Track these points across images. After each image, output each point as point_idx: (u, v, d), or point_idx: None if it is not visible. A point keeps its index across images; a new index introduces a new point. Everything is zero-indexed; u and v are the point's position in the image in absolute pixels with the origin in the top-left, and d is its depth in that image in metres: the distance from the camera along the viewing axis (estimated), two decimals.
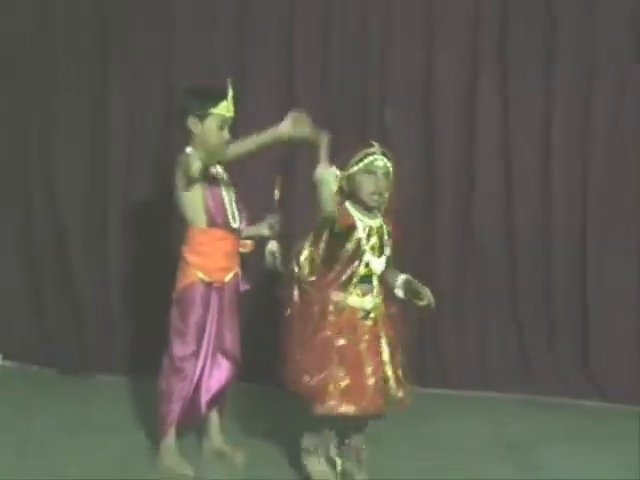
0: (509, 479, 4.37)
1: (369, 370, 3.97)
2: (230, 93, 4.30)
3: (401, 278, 4.11)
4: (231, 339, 4.41)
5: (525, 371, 5.95)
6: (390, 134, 5.78)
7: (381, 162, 4.03)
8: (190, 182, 4.20)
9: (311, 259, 4.05)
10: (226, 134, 4.31)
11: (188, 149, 4.25)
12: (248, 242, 4.48)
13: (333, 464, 4.15)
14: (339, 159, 4.05)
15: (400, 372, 4.06)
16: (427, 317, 5.61)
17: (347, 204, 4.04)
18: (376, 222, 4.08)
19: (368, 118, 6.04)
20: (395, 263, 4.16)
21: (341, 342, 3.95)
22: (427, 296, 4.03)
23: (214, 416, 4.49)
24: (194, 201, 4.26)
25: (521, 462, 4.61)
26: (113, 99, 6.20)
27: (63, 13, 6.25)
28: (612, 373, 5.80)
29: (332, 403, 3.92)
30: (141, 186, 6.20)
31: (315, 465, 4.10)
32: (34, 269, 6.35)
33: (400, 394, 4.05)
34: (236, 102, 4.34)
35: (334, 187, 3.91)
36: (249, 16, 6.12)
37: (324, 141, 3.92)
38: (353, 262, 4.00)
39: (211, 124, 4.25)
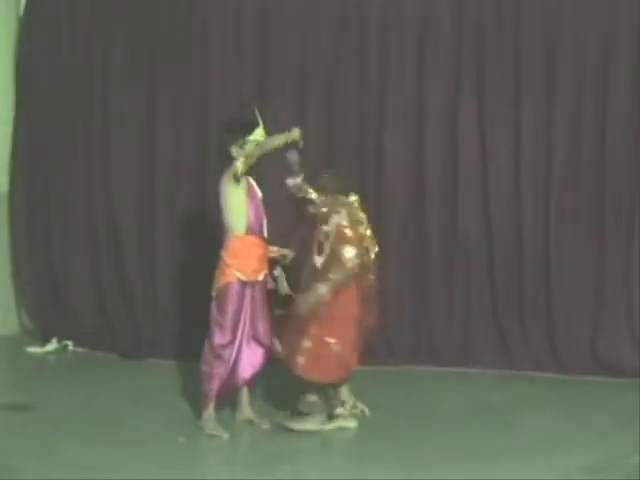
0: (485, 436, 5.38)
1: None
2: (259, 120, 5.39)
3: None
4: (263, 328, 5.44)
5: (502, 351, 7.01)
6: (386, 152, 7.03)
7: None
8: (236, 181, 5.25)
9: None
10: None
11: (236, 162, 5.26)
12: (275, 249, 5.54)
13: None
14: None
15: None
16: (422, 308, 6.90)
17: None
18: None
19: (366, 136, 7.20)
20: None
21: None
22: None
23: (245, 392, 5.56)
24: (239, 212, 5.30)
25: (496, 423, 5.65)
26: (159, 126, 7.40)
27: (120, 58, 7.46)
28: (571, 352, 6.84)
29: None
30: (182, 197, 7.40)
31: None
32: (97, 274, 7.58)
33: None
34: (265, 125, 5.43)
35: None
36: (269, 53, 7.28)
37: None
38: None
39: (250, 148, 5.31)
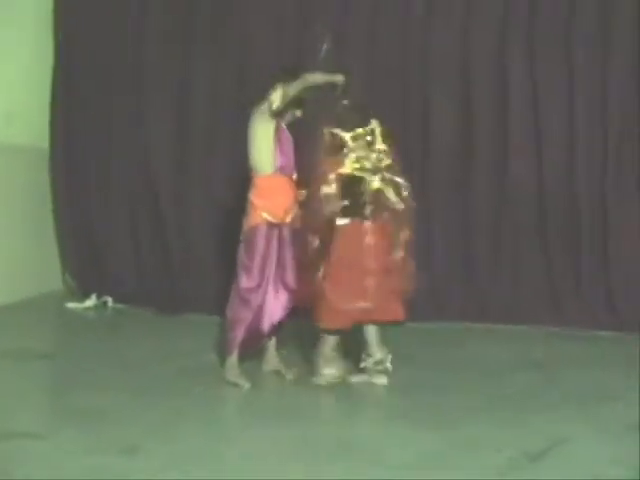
0: (526, 390, 5.07)
1: None
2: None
3: None
4: (292, 273, 5.18)
5: (554, 307, 6.63)
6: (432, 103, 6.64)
7: None
8: (271, 115, 5.03)
9: None
10: (298, 113, 5.19)
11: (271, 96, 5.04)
12: (303, 192, 5.22)
13: None
14: None
15: None
16: (470, 262, 6.59)
17: None
18: None
19: (411, 88, 6.90)
20: None
21: None
22: None
23: (272, 342, 5.34)
24: (265, 151, 5.07)
25: (540, 378, 5.31)
26: (195, 80, 7.20)
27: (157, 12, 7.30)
28: (630, 308, 6.42)
29: None
30: (219, 149, 7.16)
31: None
32: (135, 231, 7.46)
33: None
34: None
35: None
36: (309, 4, 7.04)
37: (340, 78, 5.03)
38: None
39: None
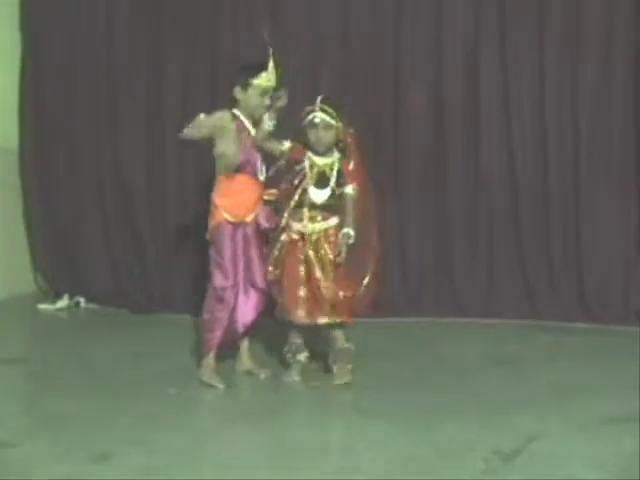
0: (500, 386, 5.04)
1: (302, 284, 4.93)
2: (270, 65, 5.05)
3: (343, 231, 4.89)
4: (260, 273, 5.16)
5: (528, 301, 6.66)
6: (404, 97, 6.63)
7: (318, 118, 4.88)
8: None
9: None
10: (266, 100, 5.10)
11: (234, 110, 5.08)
12: (273, 191, 5.20)
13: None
14: None
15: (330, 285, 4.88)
16: (444, 258, 6.65)
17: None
18: (325, 160, 4.93)
19: (382, 83, 6.87)
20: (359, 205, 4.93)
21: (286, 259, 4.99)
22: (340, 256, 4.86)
23: (245, 342, 5.33)
24: (226, 152, 5.03)
25: (514, 374, 5.31)
26: (167, 78, 7.18)
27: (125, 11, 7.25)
28: (602, 301, 6.48)
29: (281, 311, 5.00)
30: (192, 150, 6.98)
31: None
32: (108, 230, 7.38)
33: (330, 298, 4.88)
34: (278, 73, 5.08)
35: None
36: None
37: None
38: (298, 190, 4.94)
39: (252, 92, 5.05)
